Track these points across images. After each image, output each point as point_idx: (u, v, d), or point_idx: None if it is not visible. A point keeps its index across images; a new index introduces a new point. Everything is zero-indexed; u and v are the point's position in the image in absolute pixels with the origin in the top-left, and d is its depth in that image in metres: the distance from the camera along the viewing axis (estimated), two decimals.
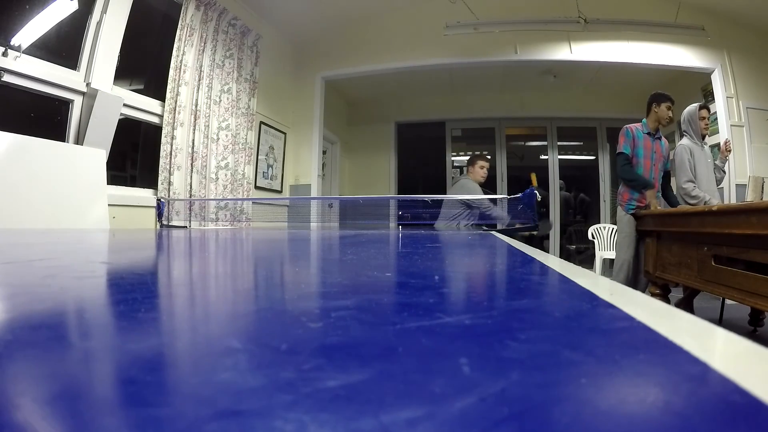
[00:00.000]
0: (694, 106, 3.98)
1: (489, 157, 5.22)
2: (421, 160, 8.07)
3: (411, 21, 5.79)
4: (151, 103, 4.28)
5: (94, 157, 3.46)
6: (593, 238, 6.27)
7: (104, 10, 3.74)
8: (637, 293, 0.42)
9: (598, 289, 0.44)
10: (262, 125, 5.65)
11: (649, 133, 3.79)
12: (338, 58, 6.15)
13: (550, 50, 5.34)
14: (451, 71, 6.12)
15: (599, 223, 6.67)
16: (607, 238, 6.21)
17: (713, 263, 2.32)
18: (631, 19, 5.20)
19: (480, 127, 7.97)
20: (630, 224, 3.69)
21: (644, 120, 3.85)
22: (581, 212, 8.21)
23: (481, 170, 4.76)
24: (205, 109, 4.62)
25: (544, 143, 7.93)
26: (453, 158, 8.06)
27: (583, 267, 0.68)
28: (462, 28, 5.15)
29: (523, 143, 8.45)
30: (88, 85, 3.64)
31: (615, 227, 5.01)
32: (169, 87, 4.31)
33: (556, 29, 5.11)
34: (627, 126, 3.82)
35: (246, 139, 5.17)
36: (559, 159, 7.79)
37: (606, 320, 0.33)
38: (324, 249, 1.38)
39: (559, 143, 7.82)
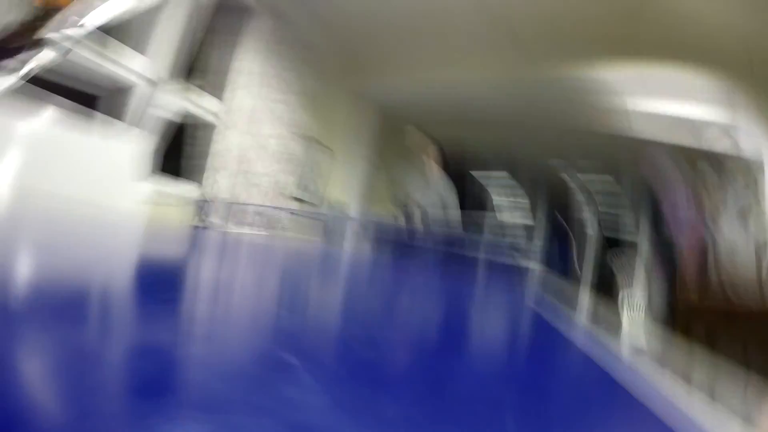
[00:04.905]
0: None
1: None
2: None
3: (456, 48, 5.69)
4: (208, 102, 4.37)
5: (145, 142, 3.60)
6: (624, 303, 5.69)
7: (175, 5, 3.88)
8: None
9: None
10: (309, 139, 5.71)
11: None
12: (387, 78, 6.17)
13: None
14: (501, 94, 6.09)
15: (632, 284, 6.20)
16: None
17: None
18: None
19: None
20: None
21: None
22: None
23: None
24: (258, 115, 4.74)
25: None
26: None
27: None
28: (503, 53, 5.18)
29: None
30: (150, 73, 3.76)
31: None
32: (227, 89, 4.43)
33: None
34: None
35: (292, 150, 5.26)
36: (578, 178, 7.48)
37: None
38: (350, 277, 1.37)
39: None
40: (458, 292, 1.67)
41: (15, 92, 2.73)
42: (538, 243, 6.18)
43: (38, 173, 2.77)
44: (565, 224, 7.32)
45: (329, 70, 6.03)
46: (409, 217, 4.75)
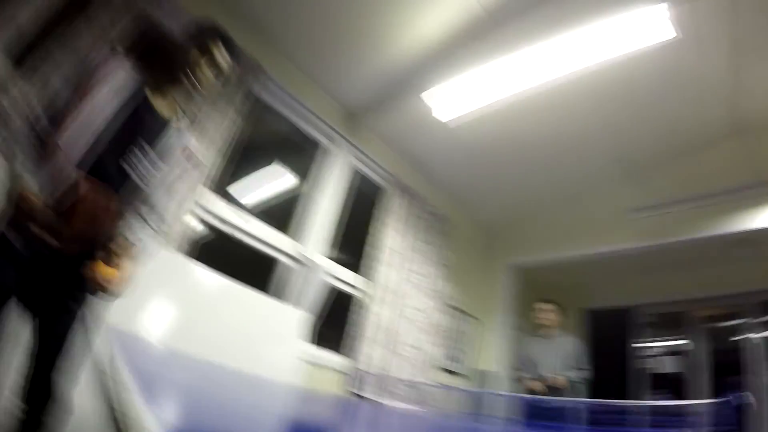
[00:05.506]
0: None
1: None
2: (609, 349, 7.50)
3: (597, 207, 5.87)
4: (354, 278, 4.78)
5: (299, 317, 3.90)
6: None
7: (321, 191, 4.54)
8: None
9: None
10: (453, 309, 5.84)
11: None
12: (527, 245, 6.31)
13: (741, 219, 5.01)
14: (638, 254, 5.93)
15: None
16: None
17: None
18: None
19: (673, 311, 7.36)
20: None
21: None
22: None
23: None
24: (403, 289, 4.99)
25: (741, 321, 6.94)
26: (640, 347, 7.44)
27: None
28: (646, 210, 5.12)
29: (722, 324, 7.52)
30: (302, 253, 4.28)
31: None
32: (371, 265, 4.81)
33: (747, 196, 4.82)
34: None
35: (437, 321, 5.38)
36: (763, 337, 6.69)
37: None
38: None
39: (761, 319, 6.77)
40: None
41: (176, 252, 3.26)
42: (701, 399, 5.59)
43: (195, 334, 3.03)
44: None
45: (468, 241, 6.40)
46: (549, 384, 4.62)
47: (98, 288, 1.55)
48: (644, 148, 5.25)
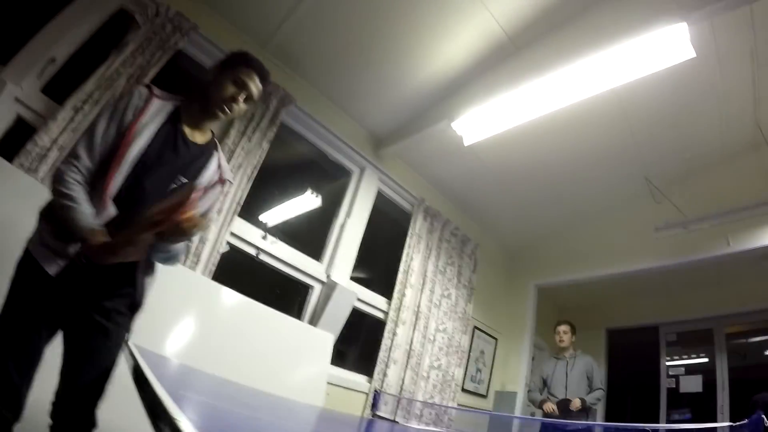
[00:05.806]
0: None
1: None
2: (632, 368, 7.40)
3: (620, 226, 5.79)
4: (378, 300, 4.80)
5: (324, 339, 3.93)
6: None
7: (348, 215, 4.58)
8: None
9: None
10: (476, 330, 5.87)
11: None
12: (550, 265, 6.31)
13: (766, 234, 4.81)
14: (662, 273, 5.85)
15: None
16: None
17: None
18: None
19: (696, 329, 7.24)
20: None
21: None
22: None
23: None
24: (426, 311, 5.01)
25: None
26: (668, 363, 7.31)
27: None
28: (671, 228, 5.06)
29: (745, 340, 7.36)
30: (328, 276, 4.30)
31: None
32: (396, 288, 4.83)
33: None
34: None
35: (460, 342, 5.38)
36: None
37: None
38: None
39: None
40: None
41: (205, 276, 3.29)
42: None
43: (221, 355, 3.07)
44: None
45: (492, 262, 6.41)
46: (565, 405, 4.53)
47: (187, 226, 1.58)
48: (667, 166, 5.18)
